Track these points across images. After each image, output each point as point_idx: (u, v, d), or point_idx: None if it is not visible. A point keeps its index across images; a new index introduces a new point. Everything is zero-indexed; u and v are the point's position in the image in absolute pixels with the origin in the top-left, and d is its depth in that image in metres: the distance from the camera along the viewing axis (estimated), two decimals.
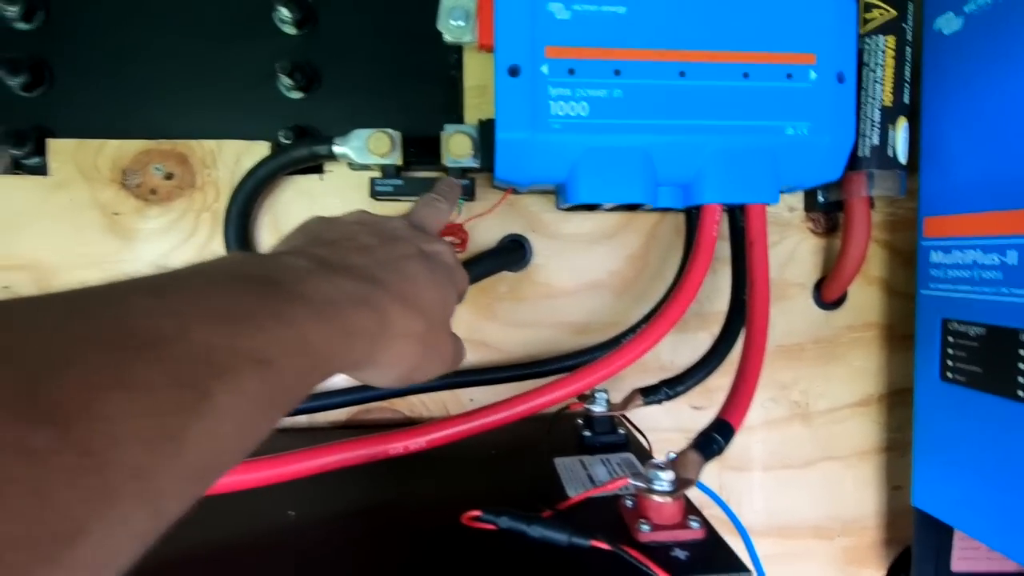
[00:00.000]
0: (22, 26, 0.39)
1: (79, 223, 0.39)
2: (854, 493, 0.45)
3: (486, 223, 0.42)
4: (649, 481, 0.24)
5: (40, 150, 0.39)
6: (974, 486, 0.35)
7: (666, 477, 0.23)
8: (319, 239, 0.24)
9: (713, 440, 0.27)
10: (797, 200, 0.44)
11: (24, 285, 0.39)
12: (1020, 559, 0.32)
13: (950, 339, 0.37)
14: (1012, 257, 0.33)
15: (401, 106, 0.42)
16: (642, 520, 0.23)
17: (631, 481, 0.24)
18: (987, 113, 0.34)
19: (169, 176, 0.40)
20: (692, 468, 0.25)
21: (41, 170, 0.39)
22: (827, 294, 0.43)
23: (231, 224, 0.38)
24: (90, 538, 0.11)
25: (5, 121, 0.39)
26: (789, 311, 0.44)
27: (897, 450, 0.45)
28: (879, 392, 0.45)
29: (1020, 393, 0.32)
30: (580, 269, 0.42)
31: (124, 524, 0.12)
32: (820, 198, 0.43)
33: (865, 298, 0.44)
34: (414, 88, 0.42)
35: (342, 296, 0.20)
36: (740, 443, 0.44)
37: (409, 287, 0.23)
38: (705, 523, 0.24)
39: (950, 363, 0.37)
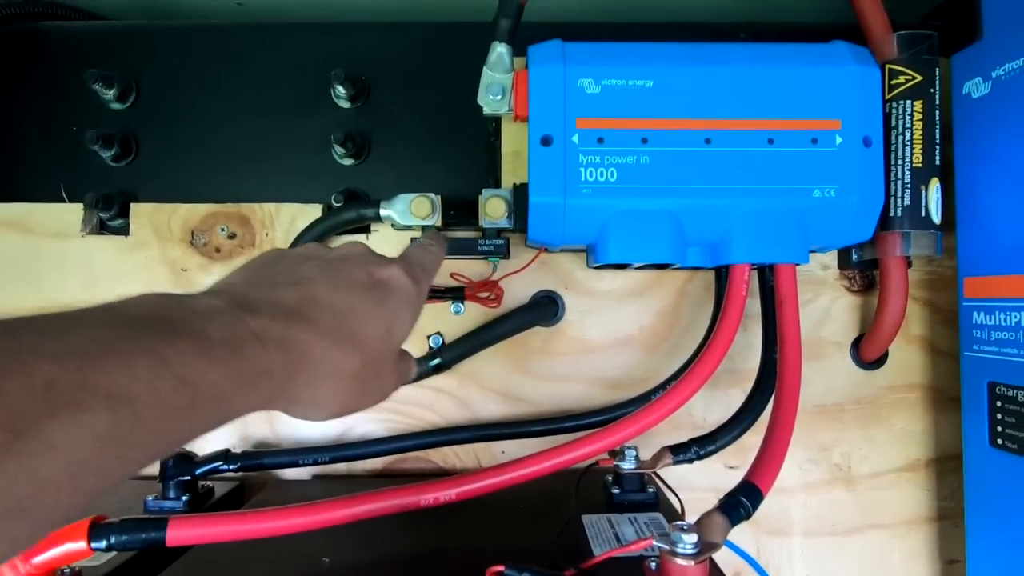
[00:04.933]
0: (116, 106, 0.45)
1: (151, 278, 0.43)
2: (903, 565, 0.42)
3: (521, 281, 0.43)
4: (673, 543, 0.24)
5: (124, 213, 0.44)
6: None
7: (690, 540, 0.23)
8: (256, 273, 0.24)
9: (740, 503, 0.27)
10: (831, 259, 0.44)
11: None
12: None
13: (998, 403, 0.36)
14: None
15: (443, 171, 0.45)
16: None
17: (656, 543, 0.24)
18: (1019, 174, 0.34)
19: (232, 236, 0.43)
20: (717, 532, 0.25)
21: (123, 231, 0.44)
22: (866, 353, 0.43)
23: None
24: None
25: (96, 188, 0.44)
26: (827, 370, 0.43)
27: (950, 519, 0.42)
28: (927, 457, 0.43)
29: None
30: (611, 325, 0.43)
31: None
32: (854, 256, 0.43)
33: (907, 358, 0.43)
34: (455, 155, 0.45)
35: (247, 335, 0.19)
36: (778, 505, 0.43)
37: (344, 323, 0.23)
38: None
39: (999, 428, 0.36)
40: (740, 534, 0.43)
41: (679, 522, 0.24)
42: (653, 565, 0.25)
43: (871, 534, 0.43)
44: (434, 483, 0.31)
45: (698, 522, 0.25)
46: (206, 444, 0.40)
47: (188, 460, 0.36)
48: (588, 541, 0.29)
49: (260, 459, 0.38)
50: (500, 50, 0.38)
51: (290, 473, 0.43)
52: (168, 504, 0.35)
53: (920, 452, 0.43)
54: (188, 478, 0.36)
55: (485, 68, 0.39)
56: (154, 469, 0.40)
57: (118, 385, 0.15)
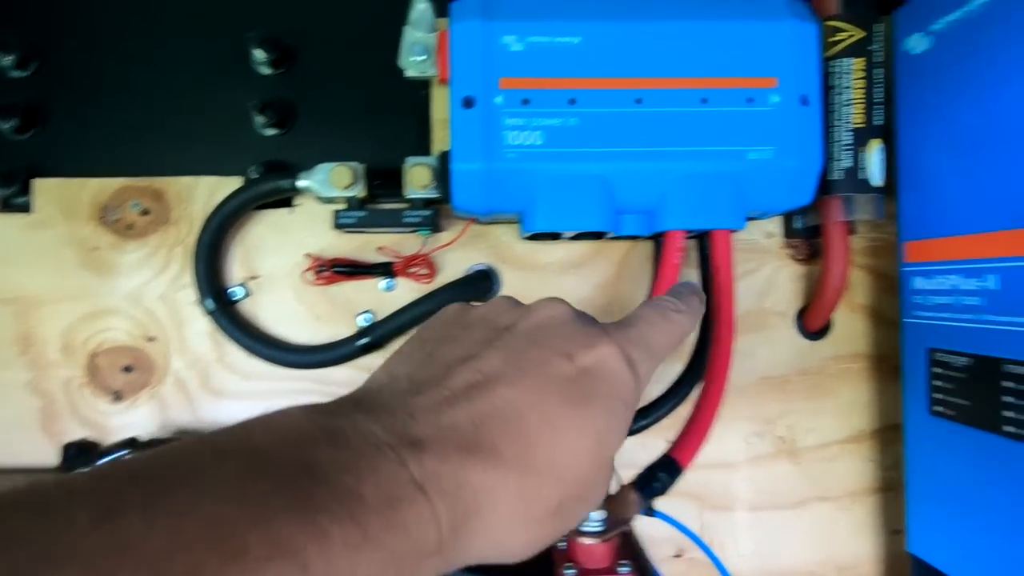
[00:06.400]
0: (17, 74, 0.42)
1: (60, 258, 0.40)
2: (849, 537, 0.42)
3: (456, 255, 0.41)
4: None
5: (27, 190, 0.41)
6: (967, 530, 0.33)
7: (597, 517, 0.22)
8: (427, 358, 0.19)
9: (656, 478, 0.26)
10: (775, 227, 0.43)
11: (5, 318, 0.40)
12: None
13: (936, 370, 0.35)
14: (992, 281, 0.31)
15: (377, 140, 0.43)
16: (567, 564, 0.22)
17: None
18: (961, 132, 0.33)
19: (146, 212, 0.41)
20: (629, 508, 0.24)
21: (27, 208, 0.41)
22: (810, 323, 0.42)
23: (200, 258, 0.39)
24: None
25: None
26: (771, 341, 0.42)
27: (894, 491, 0.42)
28: (872, 427, 0.42)
29: (1006, 428, 0.30)
30: None
31: None
32: (798, 224, 0.42)
33: (852, 327, 0.42)
34: (389, 123, 0.43)
35: (411, 491, 0.15)
36: (723, 480, 0.42)
37: (538, 448, 0.17)
38: (639, 569, 0.22)
39: (937, 396, 0.35)
40: (684, 511, 0.42)
41: None
42: (562, 545, 0.24)
43: (816, 507, 0.42)
44: None
45: (610, 498, 0.24)
46: (117, 431, 0.38)
47: (90, 449, 0.34)
48: None
49: None
50: (421, 7, 0.36)
51: None
52: None
53: (865, 422, 0.42)
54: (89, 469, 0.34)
55: (406, 26, 0.36)
56: (53, 458, 0.38)
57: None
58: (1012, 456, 0.29)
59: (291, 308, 0.41)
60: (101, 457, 0.34)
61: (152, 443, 0.36)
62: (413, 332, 0.21)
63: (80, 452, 0.33)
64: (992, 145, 0.31)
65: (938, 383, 0.35)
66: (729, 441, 0.42)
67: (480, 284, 0.40)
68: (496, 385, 0.18)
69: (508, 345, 0.19)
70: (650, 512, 0.41)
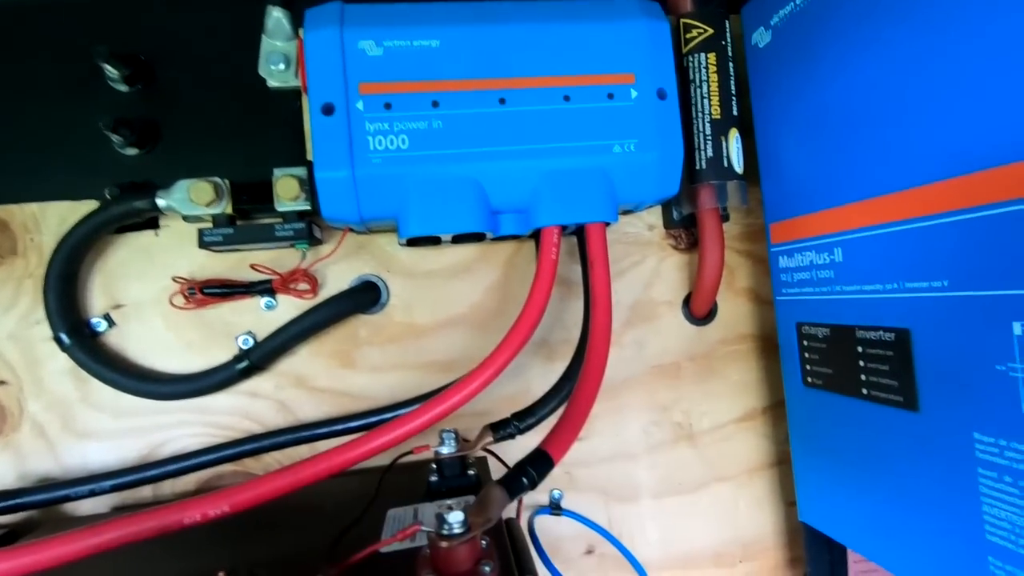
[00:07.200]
0: None
1: None
2: (749, 513, 0.43)
3: (339, 268, 0.40)
4: (439, 525, 0.22)
5: None
6: (846, 494, 0.34)
7: (454, 519, 0.21)
8: None
9: (524, 473, 0.25)
10: (656, 219, 0.44)
11: None
12: (884, 564, 0.31)
13: (804, 343, 0.36)
14: (838, 254, 0.33)
15: (248, 155, 0.41)
16: (427, 570, 0.21)
17: (423, 527, 0.22)
18: (804, 118, 0.35)
19: None
20: (492, 507, 0.23)
21: None
22: (696, 309, 0.43)
23: (51, 290, 0.36)
24: None
25: None
26: (661, 330, 0.43)
27: (787, 463, 0.43)
28: (762, 405, 0.44)
29: (863, 391, 0.32)
30: (440, 305, 0.41)
31: None
32: (676, 214, 0.43)
33: (735, 310, 0.44)
34: (262, 136, 0.41)
35: None
36: (625, 472, 0.42)
37: None
38: (502, 568, 0.22)
39: (808, 367, 0.36)
40: (592, 506, 0.42)
41: (447, 500, 0.22)
42: (427, 551, 0.23)
43: (717, 487, 0.43)
44: (205, 497, 0.27)
45: (476, 499, 0.23)
46: None
47: None
48: (380, 537, 0.27)
49: (19, 498, 0.33)
50: (276, 15, 0.35)
51: (86, 506, 0.37)
52: None
53: (756, 401, 0.44)
54: None
55: (264, 36, 0.35)
56: None
57: None
58: (873, 417, 0.31)
59: (162, 336, 0.38)
60: None
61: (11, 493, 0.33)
62: None
63: None
64: (829, 127, 0.33)
65: (807, 355, 0.36)
66: (628, 432, 0.42)
67: (366, 295, 0.39)
68: None
69: None
70: (558, 512, 0.41)
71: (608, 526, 0.42)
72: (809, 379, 0.36)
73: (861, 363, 0.32)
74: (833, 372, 0.34)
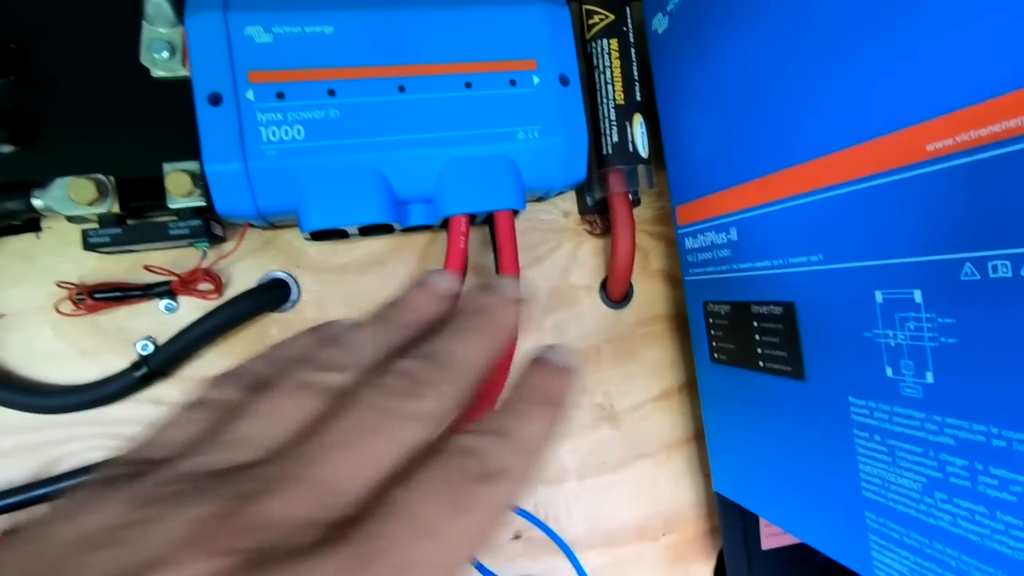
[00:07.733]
0: None
1: None
2: (669, 488, 0.45)
3: (245, 266, 0.39)
4: None
5: None
6: (751, 464, 0.36)
7: None
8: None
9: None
10: (571, 205, 0.44)
11: None
12: (785, 526, 0.33)
13: (710, 320, 0.38)
14: (734, 233, 0.34)
15: (137, 150, 0.38)
16: None
17: None
18: (699, 101, 0.36)
19: None
20: None
21: None
22: (612, 292, 0.44)
23: None
24: None
25: None
26: (579, 315, 0.44)
27: (703, 438, 0.45)
28: (679, 383, 0.45)
29: (760, 363, 0.33)
30: (354, 299, 0.40)
31: None
32: (589, 200, 0.44)
33: (650, 292, 0.45)
34: (151, 130, 0.39)
35: None
36: (551, 456, 0.42)
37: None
38: None
39: (714, 344, 0.38)
40: None
41: None
42: None
43: (638, 465, 0.44)
44: None
45: None
46: None
47: None
48: None
49: None
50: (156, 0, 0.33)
51: None
52: None
53: (672, 379, 0.45)
54: None
55: (144, 22, 0.33)
56: None
57: None
58: (769, 388, 0.32)
59: (50, 346, 0.36)
60: None
61: None
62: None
63: None
64: (724, 109, 0.34)
65: (712, 332, 0.38)
66: None
67: (273, 293, 0.38)
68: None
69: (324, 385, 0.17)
70: None
71: (535, 510, 0.42)
72: (716, 355, 0.38)
73: (757, 337, 0.33)
74: (735, 347, 0.35)
